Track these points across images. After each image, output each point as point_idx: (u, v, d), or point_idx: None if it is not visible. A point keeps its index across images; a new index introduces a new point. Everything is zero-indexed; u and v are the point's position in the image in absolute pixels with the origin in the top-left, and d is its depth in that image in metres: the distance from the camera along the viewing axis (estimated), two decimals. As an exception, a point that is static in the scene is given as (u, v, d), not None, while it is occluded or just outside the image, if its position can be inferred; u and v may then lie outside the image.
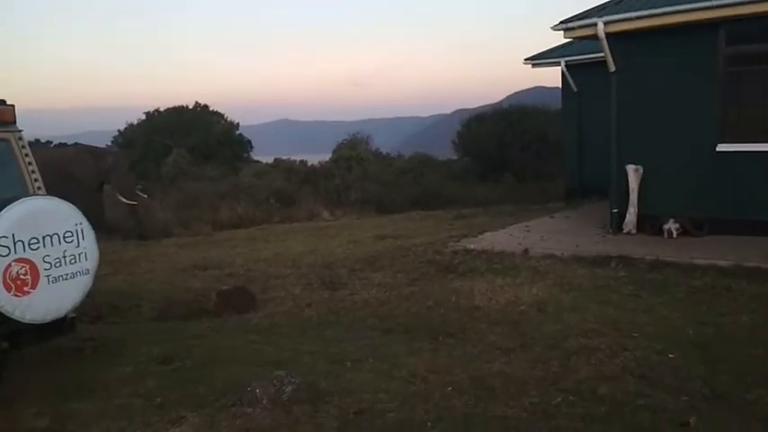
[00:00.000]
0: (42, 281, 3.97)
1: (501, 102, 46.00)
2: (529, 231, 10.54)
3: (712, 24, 8.60)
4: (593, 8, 9.35)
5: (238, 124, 33.83)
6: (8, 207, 3.88)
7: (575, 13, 9.55)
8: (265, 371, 4.50)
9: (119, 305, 7.42)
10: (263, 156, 34.14)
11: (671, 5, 8.58)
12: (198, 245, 13.06)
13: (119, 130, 32.41)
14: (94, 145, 19.50)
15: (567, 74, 14.69)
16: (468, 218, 14.06)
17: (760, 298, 6.35)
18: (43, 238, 3.96)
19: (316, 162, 25.94)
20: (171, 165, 25.17)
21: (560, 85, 15.19)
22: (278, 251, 11.14)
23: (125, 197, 13.60)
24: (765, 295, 6.42)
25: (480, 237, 10.34)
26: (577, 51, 13.91)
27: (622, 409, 4.03)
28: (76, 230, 4.14)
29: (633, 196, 9.56)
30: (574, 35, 9.70)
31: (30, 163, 4.49)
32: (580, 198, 14.30)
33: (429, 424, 3.84)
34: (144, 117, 32.51)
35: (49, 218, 4.03)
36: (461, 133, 27.68)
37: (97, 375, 4.80)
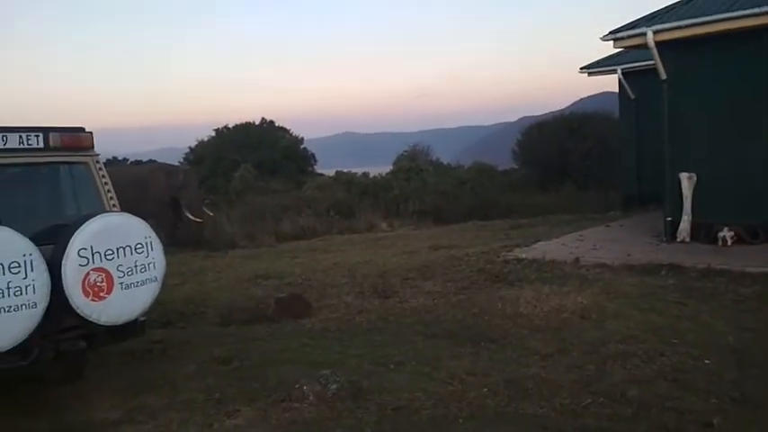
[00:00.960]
0: (116, 287, 4.49)
1: (566, 108, 45.32)
2: (582, 240, 10.60)
3: (763, 30, 8.52)
4: (642, 18, 9.39)
5: (303, 138, 34.83)
6: (87, 222, 4.42)
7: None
8: (313, 371, 4.88)
9: (185, 312, 7.98)
10: (326, 169, 34.89)
11: (720, 13, 8.56)
12: (261, 256, 13.66)
13: (190, 147, 33.98)
14: (168, 162, 20.70)
15: (623, 81, 14.62)
16: (524, 227, 14.12)
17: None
18: (117, 249, 4.48)
19: (377, 174, 26.39)
20: (238, 179, 26.22)
21: (623, 91, 15.08)
22: (336, 261, 11.57)
23: (192, 214, 14.35)
24: (816, 303, 6.35)
25: (533, 246, 10.49)
26: (634, 58, 13.83)
27: (650, 411, 4.18)
28: (146, 243, 4.65)
29: (687, 204, 9.50)
30: (623, 45, 9.77)
31: (105, 183, 5.05)
32: (638, 206, 14.16)
33: (461, 420, 4.12)
34: (214, 134, 33.96)
35: (123, 232, 4.55)
36: (521, 141, 27.59)
37: (164, 373, 5.31)
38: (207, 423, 4.25)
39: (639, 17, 9.38)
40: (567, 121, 26.33)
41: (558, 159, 24.05)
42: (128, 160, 36.25)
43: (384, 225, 17.66)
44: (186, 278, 10.92)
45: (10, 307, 3.99)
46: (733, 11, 8.45)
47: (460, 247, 11.57)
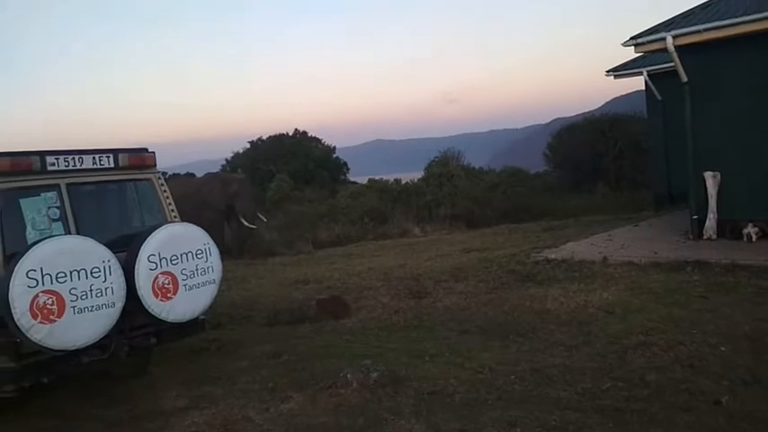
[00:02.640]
0: (181, 289, 5.06)
1: (599, 108, 45.04)
2: (611, 240, 10.90)
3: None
4: (662, 23, 9.70)
5: (335, 148, 35.54)
6: (155, 231, 5.01)
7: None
8: (355, 362, 5.38)
9: (234, 315, 8.56)
10: (358, 177, 35.46)
11: (736, 17, 8.83)
12: (300, 262, 14.24)
13: (226, 159, 34.98)
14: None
15: (649, 83, 14.83)
16: (556, 230, 14.38)
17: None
18: (181, 255, 5.06)
19: (409, 180, 26.83)
20: (275, 189, 26.98)
21: (650, 93, 15.27)
22: (371, 266, 12.07)
23: (247, 221, 14.99)
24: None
25: (562, 247, 10.81)
26: (659, 60, 13.99)
27: (664, 392, 4.57)
28: (205, 249, 5.23)
29: (712, 202, 9.75)
30: (644, 49, 10.08)
31: (167, 197, 5.65)
32: (669, 205, 14.34)
33: (489, 402, 4.57)
34: (248, 146, 34.91)
35: (185, 239, 5.13)
36: (552, 144, 27.77)
37: (221, 367, 5.88)
38: (263, 408, 4.78)
39: (659, 23, 9.68)
40: (597, 123, 26.44)
41: (589, 161, 24.18)
42: (166, 173, 37.48)
43: (417, 230, 18.10)
44: (231, 285, 11.52)
45: (93, 306, 4.59)
46: (749, 15, 8.72)
47: (492, 250, 11.96)
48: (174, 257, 5.03)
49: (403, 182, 26.78)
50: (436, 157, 30.76)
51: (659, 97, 14.74)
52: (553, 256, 9.93)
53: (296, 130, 36.00)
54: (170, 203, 5.66)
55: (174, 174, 38.16)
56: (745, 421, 4.05)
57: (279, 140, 34.33)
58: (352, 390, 4.88)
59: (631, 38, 9.83)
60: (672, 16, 9.77)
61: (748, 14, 8.75)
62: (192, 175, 33.56)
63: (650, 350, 5.50)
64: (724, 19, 9.01)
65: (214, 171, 33.30)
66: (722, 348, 5.39)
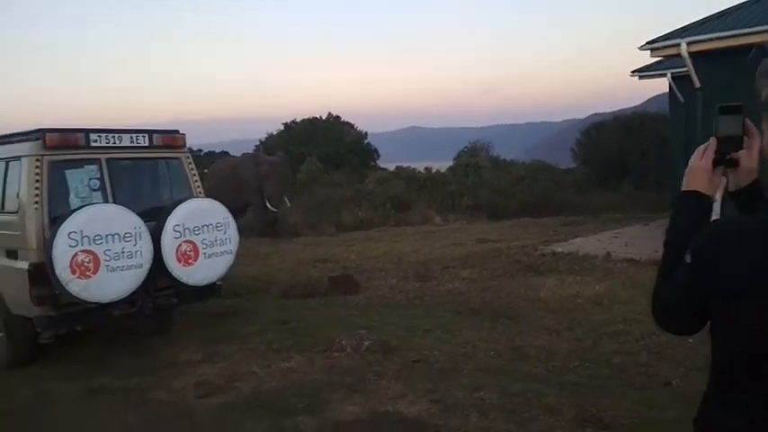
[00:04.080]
0: (201, 256, 5.73)
1: (639, 106, 44.44)
2: (617, 237, 11.29)
3: (794, 42, 9.00)
4: (676, 29, 10.00)
5: (366, 133, 36.11)
6: (180, 205, 5.68)
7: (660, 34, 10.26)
8: (354, 332, 5.98)
9: (253, 287, 9.24)
10: (391, 163, 35.96)
11: (749, 27, 9.10)
12: (321, 244, 14.88)
13: (260, 140, 35.86)
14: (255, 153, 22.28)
15: (673, 85, 15.02)
16: (573, 225, 14.71)
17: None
18: (202, 226, 5.72)
19: (442, 168, 27.20)
20: (304, 172, 27.71)
21: (673, 95, 15.47)
22: (387, 250, 12.66)
23: (271, 203, 15.67)
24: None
25: (570, 241, 11.24)
26: (683, 63, 14.22)
27: (624, 373, 5.07)
28: (225, 222, 5.89)
29: (716, 205, 10.05)
30: (660, 54, 10.40)
31: (194, 174, 6.31)
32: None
33: (465, 371, 5.12)
34: (282, 128, 35.72)
35: (207, 213, 5.80)
36: (581, 140, 27.88)
37: (234, 330, 6.55)
38: (266, 364, 5.42)
39: (674, 29, 9.98)
40: (627, 120, 26.49)
41: (616, 159, 24.30)
42: (201, 151, 38.60)
43: (438, 219, 18.59)
44: (254, 260, 12.24)
45: (124, 266, 5.28)
46: (762, 25, 8.98)
47: (505, 241, 12.41)
48: (197, 228, 5.69)
49: (433, 170, 27.24)
50: (466, 147, 31.09)
51: (681, 99, 14.93)
52: (560, 250, 10.37)
53: (330, 113, 36.71)
54: (196, 180, 6.32)
55: (208, 152, 39.23)
56: (689, 400, 4.52)
57: (312, 124, 35.06)
58: (346, 354, 5.49)
59: (647, 42, 10.16)
60: (687, 23, 10.06)
61: (761, 25, 9.01)
62: (227, 153, 34.59)
63: (624, 337, 5.98)
64: (737, 28, 9.29)
65: (249, 151, 34.33)
66: (690, 340, 5.82)
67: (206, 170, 17.45)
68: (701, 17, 10.18)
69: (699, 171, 1.57)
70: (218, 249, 5.82)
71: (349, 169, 30.35)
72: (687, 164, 1.68)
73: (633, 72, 15.76)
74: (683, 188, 1.59)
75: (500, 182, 23.32)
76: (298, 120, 35.78)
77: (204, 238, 5.72)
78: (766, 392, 1.30)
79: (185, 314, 6.96)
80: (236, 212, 15.05)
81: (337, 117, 36.70)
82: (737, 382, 1.35)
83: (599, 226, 13.75)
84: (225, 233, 5.86)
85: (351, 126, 36.13)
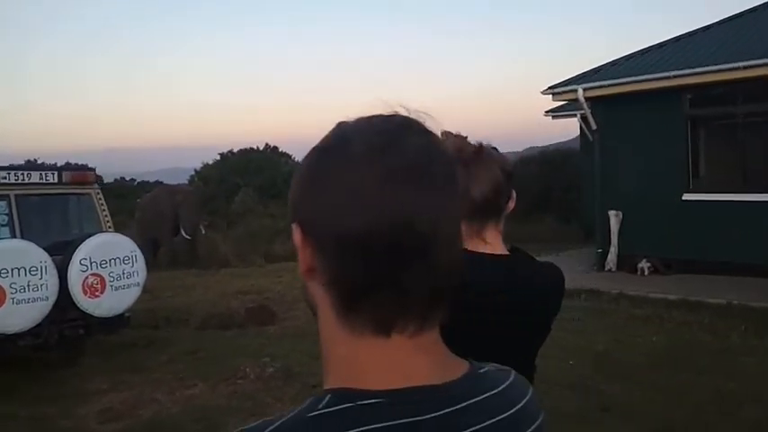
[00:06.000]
0: (108, 289, 5.94)
1: (573, 140, 45.84)
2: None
3: (677, 89, 9.97)
4: (575, 76, 10.88)
5: (303, 164, 36.41)
6: (87, 239, 5.90)
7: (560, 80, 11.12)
8: (259, 360, 6.26)
9: (171, 318, 9.33)
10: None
11: (638, 75, 10.02)
12: (250, 274, 14.98)
13: (195, 170, 35.62)
14: (176, 183, 22.28)
15: (582, 125, 16.04)
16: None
17: (681, 324, 7.63)
18: (109, 260, 5.94)
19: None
20: (238, 202, 27.72)
21: (583, 134, 16.50)
22: (312, 280, 12.93)
23: (186, 231, 15.75)
24: (687, 322, 7.68)
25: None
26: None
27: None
28: (132, 255, 6.12)
29: (614, 238, 10.89)
30: (560, 98, 11.25)
31: (103, 208, 6.53)
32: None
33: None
34: (218, 157, 35.64)
35: (114, 246, 6.02)
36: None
37: (143, 360, 6.72)
38: (170, 392, 5.64)
39: (572, 76, 10.86)
40: (552, 156, 27.75)
41: (540, 194, 25.37)
42: (135, 180, 38.07)
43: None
44: (177, 292, 12.27)
45: (29, 299, 5.45)
46: (648, 74, 9.91)
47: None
48: (104, 262, 5.90)
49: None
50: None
51: (591, 138, 15.95)
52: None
53: (266, 144, 36.81)
54: (106, 215, 6.54)
55: (142, 181, 38.69)
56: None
57: (247, 154, 35.11)
58: (249, 381, 5.77)
59: (549, 87, 10.99)
60: (584, 71, 10.95)
61: (646, 74, 9.94)
62: (161, 183, 34.25)
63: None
64: (628, 77, 10.20)
65: (185, 179, 34.14)
66: (570, 362, 6.38)
67: (138, 200, 17.46)
68: (597, 65, 11.11)
69: None
70: (126, 282, 6.04)
71: (286, 200, 30.39)
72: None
73: (546, 112, 16.75)
74: None
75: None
76: (234, 150, 35.80)
77: (111, 271, 5.93)
78: None
79: (98, 345, 7.08)
80: (158, 244, 15.16)
81: (275, 148, 36.90)
82: None
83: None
84: (132, 266, 6.09)
85: (288, 157, 36.37)
